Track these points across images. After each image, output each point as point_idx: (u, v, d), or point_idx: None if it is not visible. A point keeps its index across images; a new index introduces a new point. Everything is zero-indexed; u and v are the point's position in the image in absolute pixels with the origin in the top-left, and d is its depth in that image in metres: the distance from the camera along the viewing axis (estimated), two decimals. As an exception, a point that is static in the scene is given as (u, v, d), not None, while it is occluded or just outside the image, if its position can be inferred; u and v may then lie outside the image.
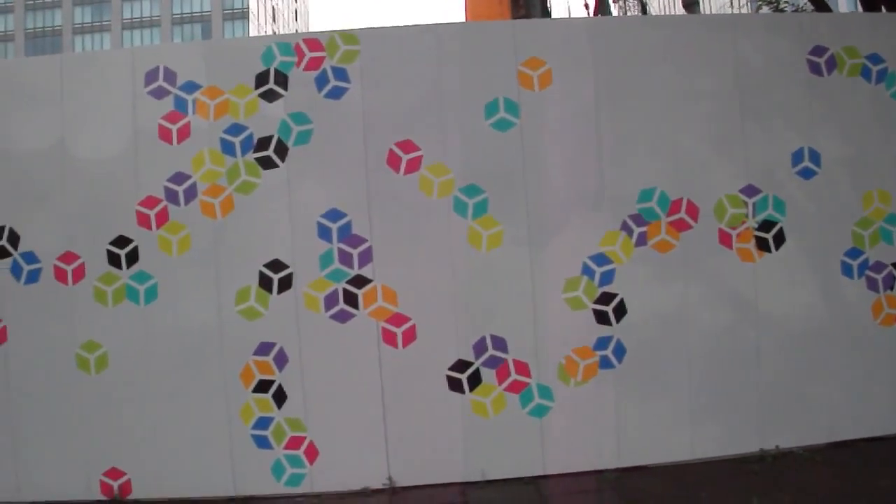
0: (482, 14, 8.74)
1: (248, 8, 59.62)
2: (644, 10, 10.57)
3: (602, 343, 4.03)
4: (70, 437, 4.12)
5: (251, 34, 52.54)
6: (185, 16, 60.35)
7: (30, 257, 4.16)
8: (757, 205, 4.12)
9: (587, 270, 4.03)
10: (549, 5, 9.20)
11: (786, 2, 7.32)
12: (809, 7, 6.22)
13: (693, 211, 4.08)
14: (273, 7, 63.63)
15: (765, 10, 7.46)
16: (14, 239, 4.16)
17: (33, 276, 4.14)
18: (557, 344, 4.02)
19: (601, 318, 4.03)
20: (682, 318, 4.06)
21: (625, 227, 4.03)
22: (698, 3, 8.08)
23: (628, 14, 11.85)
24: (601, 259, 4.04)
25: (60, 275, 4.15)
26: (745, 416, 4.09)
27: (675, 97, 4.06)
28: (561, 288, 4.01)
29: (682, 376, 4.05)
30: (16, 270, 4.17)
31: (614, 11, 10.33)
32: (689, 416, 4.06)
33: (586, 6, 9.74)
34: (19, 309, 4.14)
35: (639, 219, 4.04)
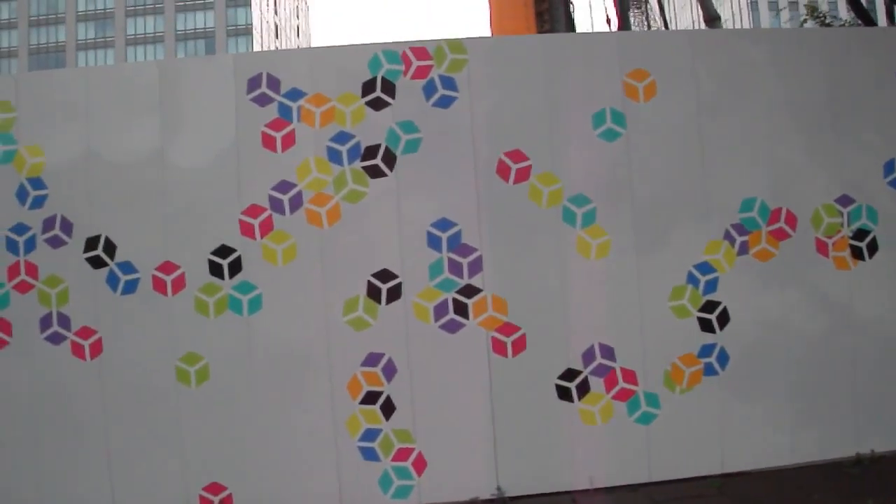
0: (508, 29, 8.76)
1: (252, 24, 59.12)
2: (666, 26, 10.72)
3: (706, 350, 4.02)
4: (168, 451, 3.93)
5: (255, 50, 52.11)
6: (188, 32, 59.28)
7: (127, 267, 3.99)
8: (851, 214, 4.15)
9: (692, 279, 4.01)
10: (573, 21, 9.31)
11: (832, 16, 7.52)
12: (853, 21, 6.42)
13: (791, 220, 4.10)
14: (276, 24, 63.12)
15: (809, 24, 7.64)
16: (110, 248, 3.98)
17: (130, 287, 3.99)
18: (663, 352, 3.98)
19: (705, 325, 4.01)
20: (781, 325, 4.05)
21: (727, 236, 4.02)
22: (720, 19, 8.26)
23: (650, 29, 12.06)
24: (705, 268, 4.02)
25: (159, 285, 3.99)
26: (842, 421, 4.08)
27: (772, 109, 4.06)
28: (667, 296, 3.98)
29: (782, 382, 4.04)
30: (112, 281, 4.00)
31: (634, 26, 10.51)
32: (788, 422, 4.06)
33: (608, 21, 9.86)
34: (115, 320, 3.95)
35: (741, 228, 4.03)
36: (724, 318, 4.02)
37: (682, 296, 4.00)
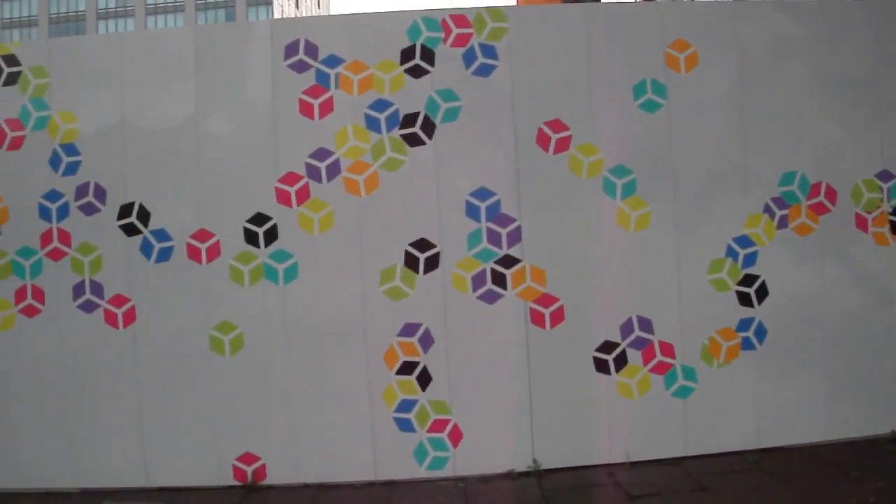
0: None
1: None
2: None
3: (744, 325, 3.96)
4: (201, 420, 3.90)
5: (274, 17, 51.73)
6: (209, 1, 58.51)
7: (161, 235, 3.94)
8: (891, 189, 4.06)
9: (731, 252, 3.95)
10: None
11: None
12: None
13: (832, 195, 4.02)
14: None
15: None
16: (144, 216, 3.92)
17: (164, 255, 3.93)
18: (701, 325, 3.93)
19: (744, 299, 3.96)
20: (819, 300, 3.99)
21: (767, 209, 3.96)
22: None
23: None
24: (745, 241, 3.96)
25: (193, 253, 3.93)
26: (878, 398, 4.02)
27: (815, 82, 4.00)
28: (706, 269, 3.93)
29: (819, 358, 3.99)
30: (146, 248, 3.94)
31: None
32: (825, 398, 4.00)
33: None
34: (149, 288, 3.91)
35: (780, 202, 3.98)
36: (762, 293, 3.98)
37: (720, 269, 3.96)
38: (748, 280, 3.97)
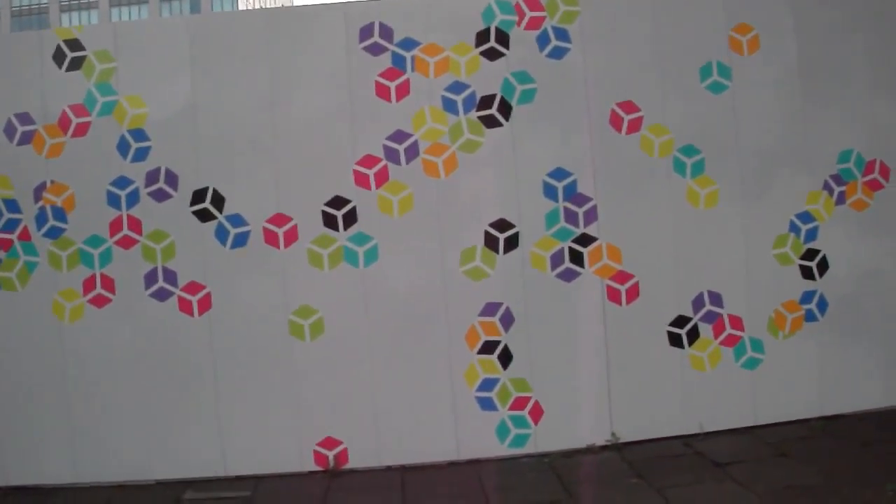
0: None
1: None
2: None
3: (807, 297, 4.11)
4: (281, 406, 3.88)
5: (242, 8, 50.71)
6: None
7: (236, 220, 3.90)
8: None
9: (794, 228, 4.08)
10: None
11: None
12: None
13: (885, 171, 4.15)
14: None
15: None
16: (219, 201, 3.89)
17: (240, 240, 3.90)
18: (767, 298, 4.06)
19: (806, 273, 4.10)
20: (876, 273, 4.15)
21: (826, 186, 4.10)
22: None
23: None
24: (806, 217, 4.10)
25: (271, 238, 3.91)
26: None
27: (870, 63, 4.15)
28: (771, 244, 4.07)
29: (877, 328, 4.15)
30: (221, 234, 3.90)
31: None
32: (883, 366, 4.15)
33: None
34: (224, 274, 3.87)
35: (838, 178, 4.11)
36: (823, 266, 4.14)
37: (784, 244, 4.12)
38: (810, 254, 4.15)
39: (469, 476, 3.82)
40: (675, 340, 4.05)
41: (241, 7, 53.76)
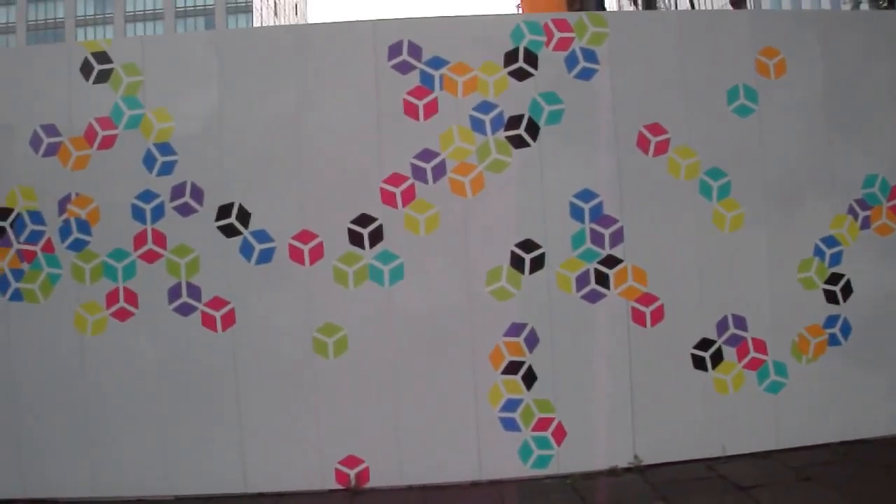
0: (540, 6, 8.89)
1: (252, 2, 57.79)
2: (692, 5, 10.96)
3: (831, 321, 4.11)
4: (303, 424, 3.87)
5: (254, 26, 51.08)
6: (188, 9, 57.62)
7: (262, 236, 3.90)
8: None
9: (818, 252, 4.09)
10: (603, 2, 9.47)
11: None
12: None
13: None
14: (275, 2, 62.23)
15: (864, 6, 7.88)
16: (244, 217, 3.88)
17: (266, 256, 3.89)
18: (791, 322, 4.06)
19: (830, 297, 4.10)
20: None
21: (851, 210, 4.11)
22: (746, 2, 8.50)
23: (675, 9, 12.29)
24: (831, 241, 4.10)
25: (296, 254, 3.90)
26: None
27: (893, 89, 4.18)
28: (796, 268, 4.07)
29: None
30: (246, 250, 3.89)
31: (661, 6, 10.71)
32: None
33: (635, 1, 10.06)
34: (249, 290, 3.86)
35: (863, 203, 4.13)
36: (847, 290, 4.14)
37: (809, 268, 4.12)
38: (834, 279, 4.15)
39: (492, 496, 3.81)
40: (698, 363, 4.05)
41: (256, 24, 54.11)
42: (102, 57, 3.95)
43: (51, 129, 3.95)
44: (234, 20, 55.40)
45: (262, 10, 59.06)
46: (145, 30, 53.74)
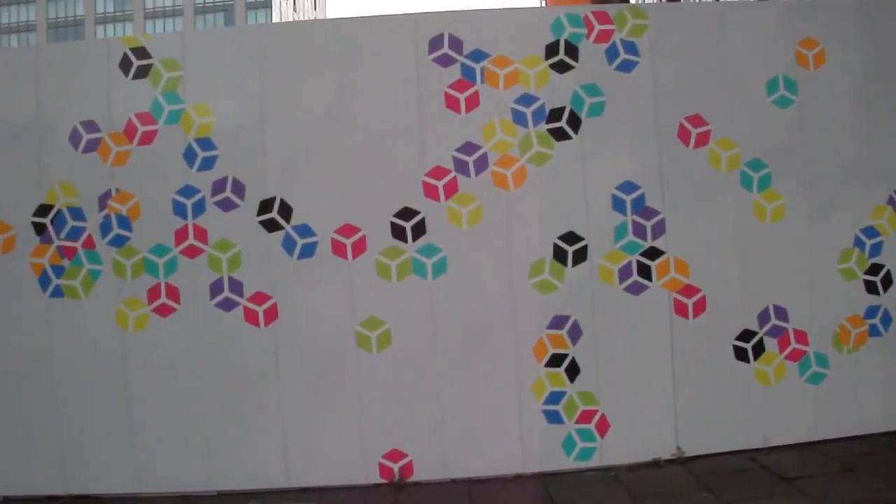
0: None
1: None
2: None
3: (871, 312, 4.12)
4: (346, 418, 3.88)
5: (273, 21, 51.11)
6: (207, 5, 57.49)
7: (304, 230, 3.91)
8: None
9: (858, 242, 4.10)
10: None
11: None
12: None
13: None
14: None
15: None
16: (286, 211, 3.89)
17: (308, 251, 3.90)
18: (832, 313, 4.07)
19: (871, 288, 4.11)
20: None
21: (890, 201, 4.11)
22: None
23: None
24: (871, 232, 4.11)
25: (338, 249, 3.91)
26: None
27: None
28: (836, 259, 4.09)
29: None
30: (288, 244, 3.90)
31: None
32: None
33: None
34: (291, 285, 3.87)
35: (902, 193, 4.22)
36: (887, 281, 4.15)
37: (849, 258, 4.12)
38: (874, 269, 4.15)
39: (537, 489, 3.83)
40: (740, 354, 4.06)
41: (275, 20, 54.06)
42: (141, 52, 3.96)
43: (90, 126, 3.95)
44: (253, 16, 55.16)
45: (280, 5, 58.91)
46: (164, 27, 53.67)
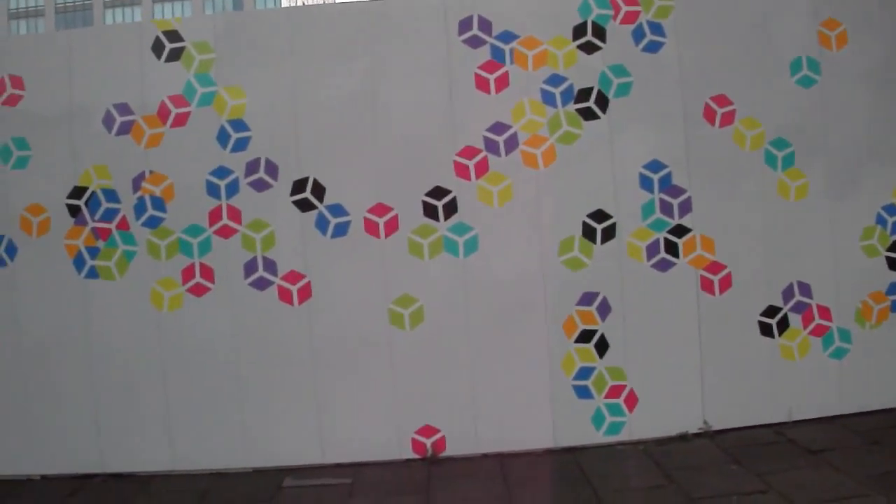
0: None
1: None
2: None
3: (893, 288, 4.19)
4: (380, 395, 3.95)
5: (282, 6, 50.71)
6: None
7: (337, 210, 3.98)
8: None
9: (881, 220, 4.18)
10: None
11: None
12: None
13: None
14: None
15: None
16: (319, 191, 3.97)
17: (341, 230, 3.97)
18: (855, 289, 4.16)
19: (892, 264, 4.18)
20: None
21: None
22: None
23: None
24: (892, 209, 4.18)
25: (371, 228, 3.99)
26: None
27: None
28: (859, 236, 4.16)
29: None
30: (321, 224, 3.98)
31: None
32: None
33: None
34: (325, 264, 3.94)
35: (922, 171, 4.34)
36: (908, 257, 4.31)
37: (871, 236, 4.20)
38: (895, 246, 4.29)
39: (568, 463, 3.90)
40: (765, 330, 4.14)
41: (285, 4, 53.62)
42: (174, 35, 4.01)
43: (123, 108, 4.01)
44: (262, 0, 54.64)
45: (292, -12, 58.40)
46: (173, 11, 53.19)
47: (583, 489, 3.58)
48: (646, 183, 4.06)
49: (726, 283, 4.11)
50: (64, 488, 3.92)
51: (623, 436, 4.06)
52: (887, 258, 4.25)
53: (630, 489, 3.59)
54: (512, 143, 4.00)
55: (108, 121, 4.01)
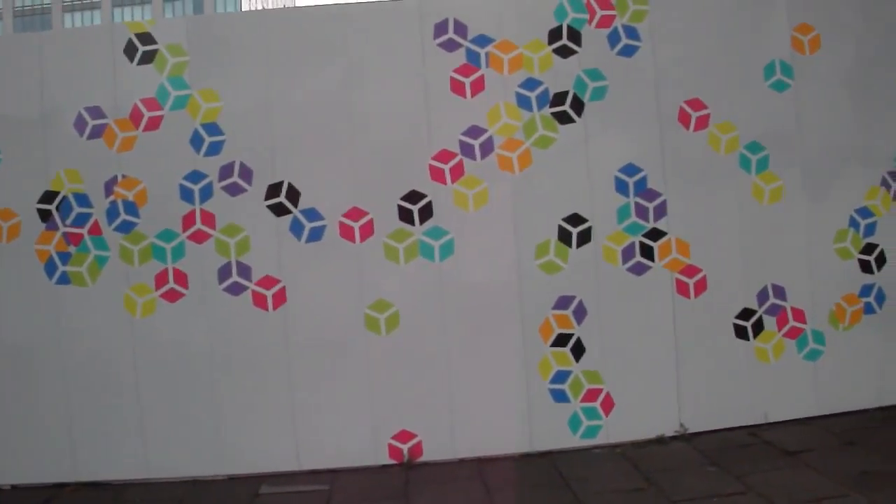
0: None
1: None
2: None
3: (866, 290, 4.25)
4: (356, 400, 3.93)
5: (243, 10, 50.47)
6: None
7: (312, 214, 3.96)
8: None
9: (853, 223, 4.23)
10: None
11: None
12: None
13: None
14: None
15: None
16: (294, 195, 3.93)
17: (316, 234, 3.94)
18: (828, 291, 4.20)
19: (865, 266, 4.24)
20: None
21: (884, 182, 4.25)
22: None
23: None
24: (865, 212, 4.24)
25: (346, 232, 3.95)
26: None
27: None
28: (832, 239, 4.21)
29: None
30: (296, 228, 3.95)
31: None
32: None
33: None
34: (300, 269, 3.92)
35: (895, 175, 4.31)
36: (881, 260, 4.27)
37: (844, 238, 4.24)
38: (868, 248, 4.28)
39: (545, 467, 3.91)
40: (740, 333, 4.18)
41: (245, 8, 53.29)
42: (146, 38, 3.98)
43: (95, 112, 3.98)
44: (221, 2, 54.33)
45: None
46: (132, 14, 52.71)
47: (563, 493, 3.59)
48: (621, 187, 4.08)
49: (701, 286, 4.14)
50: (35, 498, 3.87)
51: (600, 439, 4.07)
52: (860, 261, 4.30)
53: (610, 492, 3.60)
54: (487, 147, 4.01)
55: (79, 124, 3.97)
